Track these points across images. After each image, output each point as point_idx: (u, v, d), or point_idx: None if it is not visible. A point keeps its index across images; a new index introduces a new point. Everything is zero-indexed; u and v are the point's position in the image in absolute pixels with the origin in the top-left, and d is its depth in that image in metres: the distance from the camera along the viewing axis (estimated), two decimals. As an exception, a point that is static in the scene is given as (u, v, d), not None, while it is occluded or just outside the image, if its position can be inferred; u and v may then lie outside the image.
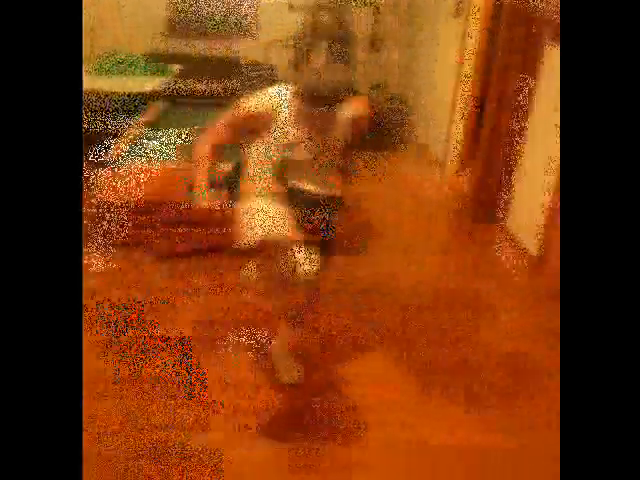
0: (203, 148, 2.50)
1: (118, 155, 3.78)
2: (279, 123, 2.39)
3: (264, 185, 2.47)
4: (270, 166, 2.43)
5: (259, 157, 2.47)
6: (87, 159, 4.80)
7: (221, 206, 2.42)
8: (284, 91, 2.41)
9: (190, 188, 2.41)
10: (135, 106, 5.19)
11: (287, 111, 2.39)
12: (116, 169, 3.63)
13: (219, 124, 2.49)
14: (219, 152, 2.51)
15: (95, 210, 3.72)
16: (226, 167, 3.90)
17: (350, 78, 2.30)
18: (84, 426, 2.51)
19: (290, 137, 2.39)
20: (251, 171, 2.52)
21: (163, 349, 3.10)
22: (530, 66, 4.48)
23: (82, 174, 2.24)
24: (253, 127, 2.42)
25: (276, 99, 2.40)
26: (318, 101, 2.28)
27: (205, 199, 2.40)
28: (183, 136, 4.28)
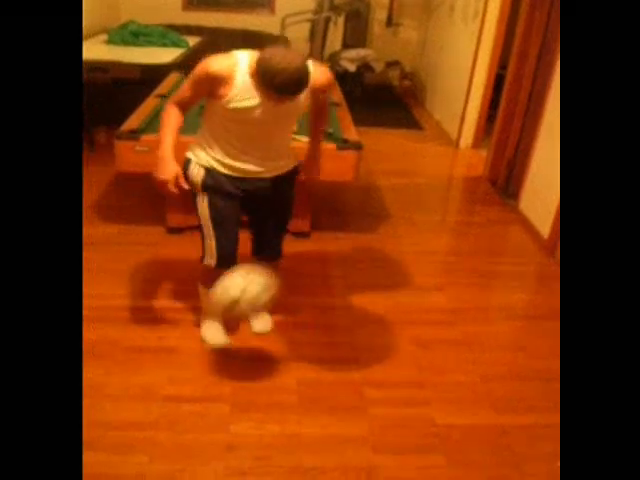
0: (168, 109, 2.53)
1: (137, 126, 3.79)
2: (236, 87, 2.33)
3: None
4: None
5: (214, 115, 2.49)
6: (107, 130, 4.84)
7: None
8: (245, 58, 2.36)
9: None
10: (152, 77, 5.18)
11: (245, 77, 2.33)
12: (135, 140, 3.65)
13: (186, 83, 2.47)
14: (184, 110, 2.54)
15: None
16: None
17: None
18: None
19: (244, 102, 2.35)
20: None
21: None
22: (550, 44, 4.47)
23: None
24: (214, 88, 2.36)
25: (237, 63, 2.34)
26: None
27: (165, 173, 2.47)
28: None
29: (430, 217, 4.76)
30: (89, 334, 2.99)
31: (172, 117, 2.51)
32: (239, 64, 2.34)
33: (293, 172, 2.74)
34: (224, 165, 2.54)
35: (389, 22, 8.02)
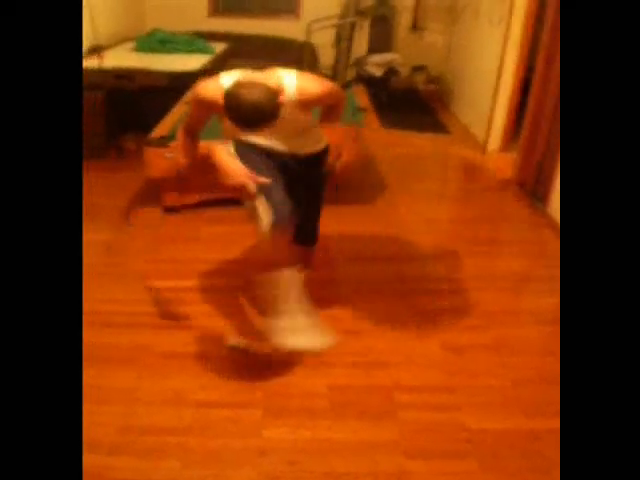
0: (179, 136, 2.81)
1: (166, 133, 3.83)
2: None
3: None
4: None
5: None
6: (136, 137, 4.89)
7: None
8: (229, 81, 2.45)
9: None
10: (179, 84, 5.23)
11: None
12: (164, 147, 3.69)
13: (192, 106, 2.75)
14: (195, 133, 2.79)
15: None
16: None
17: None
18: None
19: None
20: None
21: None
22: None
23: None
24: (212, 109, 2.59)
25: (222, 88, 2.43)
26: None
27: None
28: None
29: (457, 218, 4.73)
30: (120, 339, 3.02)
31: (187, 139, 2.80)
32: (224, 88, 2.42)
33: (322, 152, 2.86)
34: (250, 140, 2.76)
35: (414, 26, 8.00)
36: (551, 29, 4.88)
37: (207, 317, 3.26)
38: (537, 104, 5.15)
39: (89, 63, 5.11)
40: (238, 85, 2.30)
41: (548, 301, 3.60)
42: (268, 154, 2.79)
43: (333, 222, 3.80)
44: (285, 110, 2.48)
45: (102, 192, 4.72)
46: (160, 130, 3.90)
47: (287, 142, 2.75)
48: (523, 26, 5.71)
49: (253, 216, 2.67)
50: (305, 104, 2.65)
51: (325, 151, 2.88)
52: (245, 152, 2.73)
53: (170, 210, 4.10)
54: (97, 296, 3.30)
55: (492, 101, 6.21)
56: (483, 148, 6.40)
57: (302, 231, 2.97)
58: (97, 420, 2.49)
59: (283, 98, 2.41)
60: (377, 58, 7.55)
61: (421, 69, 8.31)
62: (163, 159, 3.68)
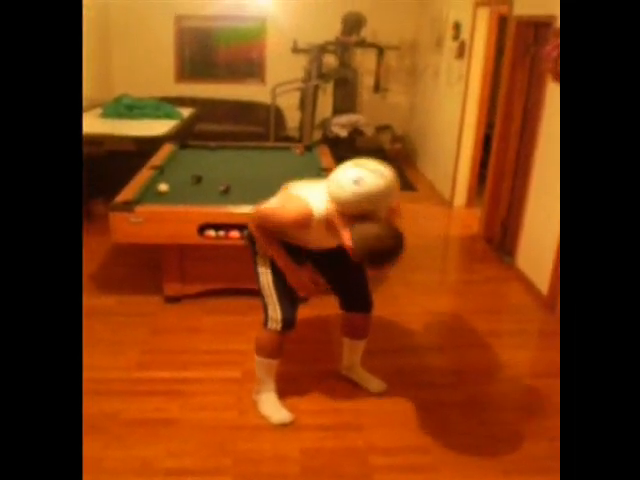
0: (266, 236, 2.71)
1: (131, 198, 3.82)
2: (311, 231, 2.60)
3: None
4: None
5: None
6: (104, 201, 4.87)
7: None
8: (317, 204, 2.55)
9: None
10: (147, 149, 5.25)
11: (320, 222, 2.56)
12: (129, 212, 3.67)
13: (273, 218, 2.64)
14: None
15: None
16: (164, 188, 4.09)
17: None
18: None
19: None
20: None
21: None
22: (534, 102, 4.55)
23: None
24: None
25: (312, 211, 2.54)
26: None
27: None
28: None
29: (427, 277, 4.76)
30: (87, 407, 2.93)
31: (269, 236, 2.71)
32: (314, 211, 2.54)
33: None
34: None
35: (377, 88, 8.18)
36: (507, 88, 5.03)
37: (176, 383, 3.20)
38: (498, 160, 5.26)
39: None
40: (372, 227, 2.38)
41: (521, 355, 3.61)
42: (306, 253, 2.83)
43: (332, 312, 3.78)
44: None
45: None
46: (125, 195, 3.88)
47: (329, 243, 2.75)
48: (481, 84, 5.89)
49: (265, 308, 2.81)
50: None
51: None
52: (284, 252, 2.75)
53: (171, 299, 4.06)
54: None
55: (455, 158, 6.34)
56: (449, 204, 6.50)
57: (356, 298, 3.00)
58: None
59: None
60: (342, 119, 7.67)
61: (385, 129, 8.47)
62: (129, 223, 3.67)
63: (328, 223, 2.54)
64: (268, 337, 2.82)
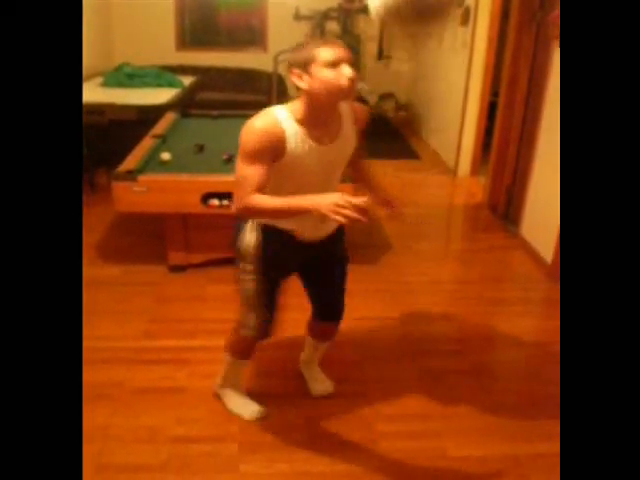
0: (252, 201, 2.12)
1: (134, 167, 3.81)
2: (289, 141, 2.13)
3: None
4: None
5: None
6: (107, 171, 4.86)
7: None
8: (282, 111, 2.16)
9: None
10: (149, 117, 5.22)
11: (294, 127, 2.14)
12: (132, 181, 3.66)
13: (244, 169, 2.12)
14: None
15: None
16: (166, 157, 4.07)
17: None
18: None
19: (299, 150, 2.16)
20: None
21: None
22: (540, 70, 4.50)
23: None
24: (273, 152, 2.12)
25: (278, 118, 2.13)
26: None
27: None
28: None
29: (432, 246, 4.76)
30: (94, 376, 2.96)
31: (261, 198, 2.09)
32: (280, 115, 2.14)
33: (340, 229, 2.54)
34: (282, 232, 2.34)
35: (380, 55, 8.10)
36: (512, 53, 4.97)
37: (182, 351, 3.22)
38: (503, 128, 5.22)
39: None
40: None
41: (526, 323, 3.62)
42: (291, 255, 2.43)
43: None
44: (343, 137, 2.28)
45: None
46: (128, 164, 3.86)
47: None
48: (486, 51, 5.82)
49: (241, 311, 2.53)
50: (357, 133, 2.37)
51: (342, 227, 2.53)
52: (264, 257, 2.37)
53: (175, 269, 4.05)
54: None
55: (460, 126, 6.29)
56: (454, 173, 6.46)
57: (331, 308, 2.72)
58: (70, 462, 2.42)
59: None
60: (345, 87, 7.62)
61: (389, 97, 8.40)
62: (132, 193, 3.65)
63: (305, 125, 2.13)
64: (241, 340, 2.61)
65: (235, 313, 2.57)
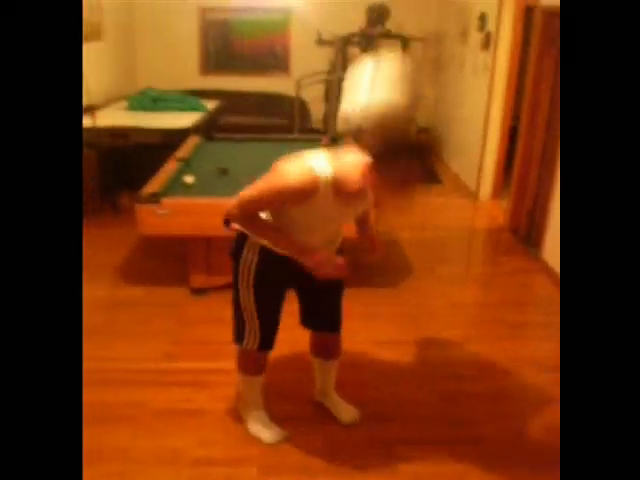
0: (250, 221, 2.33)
1: (157, 190, 3.86)
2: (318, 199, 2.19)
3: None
4: None
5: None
6: (131, 194, 4.92)
7: None
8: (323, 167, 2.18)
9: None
10: (172, 141, 5.29)
11: (328, 189, 2.18)
12: (155, 204, 3.70)
13: (259, 193, 2.25)
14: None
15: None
16: (190, 180, 4.10)
17: None
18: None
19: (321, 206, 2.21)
20: None
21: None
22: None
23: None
24: (295, 201, 2.20)
25: (318, 176, 2.16)
26: None
27: None
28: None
29: (453, 269, 4.75)
30: (115, 397, 2.98)
31: (261, 222, 2.32)
32: (318, 171, 2.17)
33: (341, 244, 2.60)
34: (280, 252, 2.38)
35: (402, 79, 8.14)
36: (534, 77, 4.98)
37: (203, 374, 3.23)
38: (525, 151, 5.22)
39: (83, 122, 5.18)
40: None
41: (548, 347, 3.58)
42: (290, 272, 2.44)
43: (357, 305, 3.77)
44: (364, 197, 2.29)
45: (99, 249, 4.73)
46: (151, 187, 3.91)
47: (323, 243, 2.41)
48: (507, 75, 5.83)
49: (242, 325, 2.54)
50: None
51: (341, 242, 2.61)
52: (263, 275, 2.41)
53: (197, 291, 4.09)
54: (92, 354, 3.26)
55: (481, 150, 6.29)
56: (475, 196, 6.46)
57: (325, 318, 2.71)
58: (92, 482, 2.44)
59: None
60: (367, 111, 7.66)
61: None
62: (155, 216, 3.70)
63: (336, 188, 2.17)
64: (246, 354, 2.62)
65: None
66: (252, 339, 2.54)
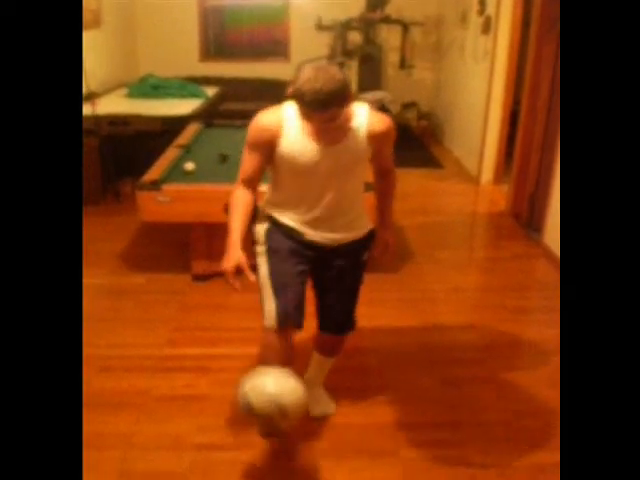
0: (234, 191, 2.36)
1: (158, 177, 3.86)
2: (287, 134, 2.23)
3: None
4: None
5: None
6: (132, 181, 4.92)
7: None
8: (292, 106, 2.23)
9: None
10: (173, 128, 5.28)
11: (295, 122, 2.24)
12: (156, 191, 3.71)
13: (243, 156, 2.33)
14: (252, 186, 2.35)
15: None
16: (190, 167, 4.09)
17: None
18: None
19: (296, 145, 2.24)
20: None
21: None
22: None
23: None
24: (270, 144, 2.24)
25: (285, 112, 2.25)
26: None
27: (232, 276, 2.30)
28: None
29: (455, 254, 4.75)
30: (118, 383, 3.00)
31: (239, 199, 2.34)
32: (286, 112, 2.26)
33: (368, 237, 2.51)
34: (292, 230, 2.38)
35: (402, 64, 8.11)
36: (534, 62, 4.96)
37: (205, 360, 3.24)
38: (525, 135, 5.21)
39: (83, 110, 5.17)
40: (307, 69, 2.05)
41: (549, 332, 3.58)
42: (302, 248, 2.40)
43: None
44: (347, 143, 2.25)
45: (100, 237, 4.73)
46: (152, 174, 3.91)
47: (332, 222, 2.36)
48: (507, 60, 5.81)
49: (262, 304, 2.44)
50: (372, 144, 2.30)
51: (369, 237, 2.52)
52: (274, 244, 2.40)
53: (199, 278, 4.09)
54: (95, 341, 3.28)
55: (482, 134, 6.27)
56: (476, 181, 6.45)
57: (331, 319, 2.61)
58: (96, 466, 2.46)
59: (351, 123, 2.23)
60: (367, 96, 7.63)
61: (411, 106, 8.40)
62: (156, 203, 3.70)
63: (303, 116, 2.17)
64: (266, 341, 2.42)
65: (257, 321, 2.55)
66: (270, 318, 2.36)
